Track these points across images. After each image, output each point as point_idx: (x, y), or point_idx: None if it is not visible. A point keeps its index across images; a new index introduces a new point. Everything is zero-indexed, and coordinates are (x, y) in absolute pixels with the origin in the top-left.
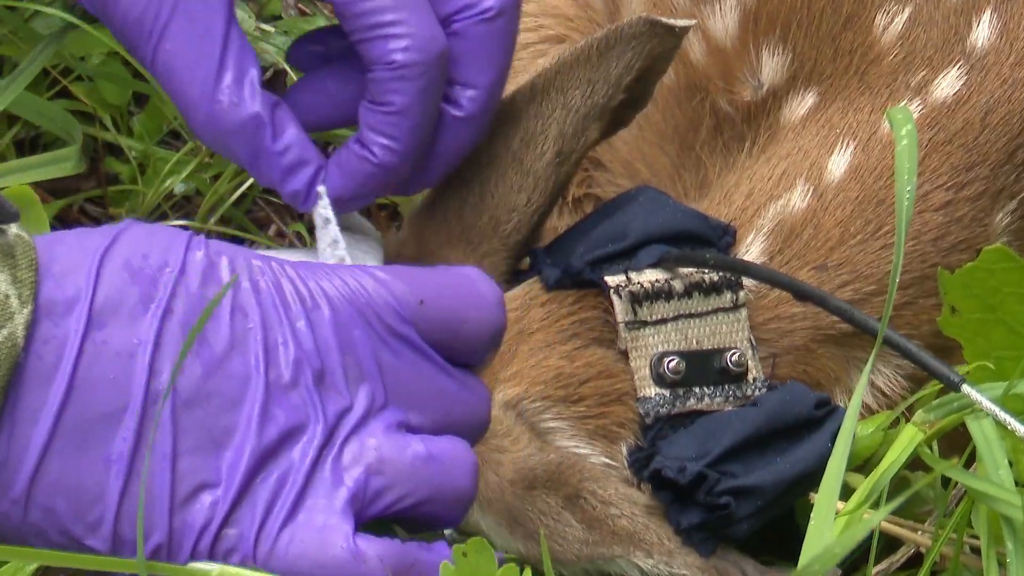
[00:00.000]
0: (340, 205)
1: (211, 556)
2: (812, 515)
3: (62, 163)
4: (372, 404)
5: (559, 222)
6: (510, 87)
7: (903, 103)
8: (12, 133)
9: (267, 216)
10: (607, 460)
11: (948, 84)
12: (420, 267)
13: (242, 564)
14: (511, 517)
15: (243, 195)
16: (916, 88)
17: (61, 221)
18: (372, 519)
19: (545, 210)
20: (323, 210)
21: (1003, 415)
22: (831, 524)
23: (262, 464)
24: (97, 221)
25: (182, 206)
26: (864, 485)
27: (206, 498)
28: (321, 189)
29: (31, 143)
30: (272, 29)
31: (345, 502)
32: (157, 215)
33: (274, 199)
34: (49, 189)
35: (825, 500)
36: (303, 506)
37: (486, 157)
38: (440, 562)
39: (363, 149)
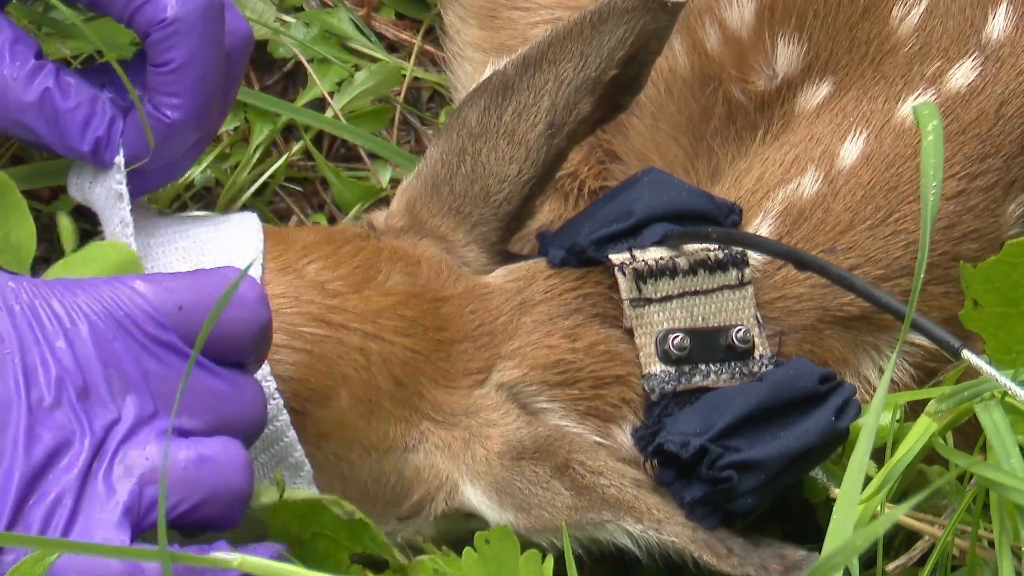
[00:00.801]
0: (139, 160)
1: None
2: (835, 508)
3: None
4: (141, 413)
5: (574, 213)
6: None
7: (917, 93)
8: None
9: (288, 207)
10: (598, 439)
11: (963, 75)
12: (179, 272)
13: None
14: (500, 489)
15: (263, 185)
16: (931, 78)
17: (80, 213)
18: (151, 528)
19: (537, 182)
20: (117, 185)
21: (1004, 380)
22: (854, 517)
23: (33, 486)
24: None
25: (202, 196)
26: (880, 474)
27: None
28: (119, 160)
29: None
30: (293, 20)
31: (120, 514)
32: (177, 206)
33: (294, 188)
34: None
35: (848, 493)
36: (77, 523)
37: (478, 127)
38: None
39: (156, 111)
